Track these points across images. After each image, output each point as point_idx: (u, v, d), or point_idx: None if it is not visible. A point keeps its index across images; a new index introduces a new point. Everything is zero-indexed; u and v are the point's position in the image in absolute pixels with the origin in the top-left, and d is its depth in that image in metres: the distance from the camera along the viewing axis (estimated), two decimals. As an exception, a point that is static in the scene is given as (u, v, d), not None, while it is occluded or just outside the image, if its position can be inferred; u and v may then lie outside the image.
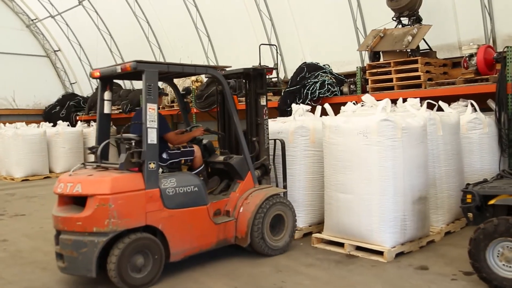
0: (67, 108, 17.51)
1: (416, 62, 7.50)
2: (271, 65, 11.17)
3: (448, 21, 8.42)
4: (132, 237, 4.21)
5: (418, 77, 7.50)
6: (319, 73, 8.86)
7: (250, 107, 5.77)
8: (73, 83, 19.73)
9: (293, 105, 6.60)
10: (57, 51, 19.42)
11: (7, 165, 13.31)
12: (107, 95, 5.08)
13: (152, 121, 4.39)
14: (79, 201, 4.36)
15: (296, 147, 5.95)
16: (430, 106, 5.96)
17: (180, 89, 12.60)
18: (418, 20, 8.07)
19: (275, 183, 5.86)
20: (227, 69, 5.66)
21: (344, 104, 5.79)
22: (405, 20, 8.23)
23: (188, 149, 5.26)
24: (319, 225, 5.89)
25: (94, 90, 17.13)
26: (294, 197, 5.87)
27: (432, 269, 4.58)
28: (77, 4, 15.88)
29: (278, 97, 9.88)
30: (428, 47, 8.20)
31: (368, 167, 4.98)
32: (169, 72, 4.96)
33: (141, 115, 4.56)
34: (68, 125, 14.95)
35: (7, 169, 13.32)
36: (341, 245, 5.24)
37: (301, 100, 8.80)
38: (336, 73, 9.16)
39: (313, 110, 6.64)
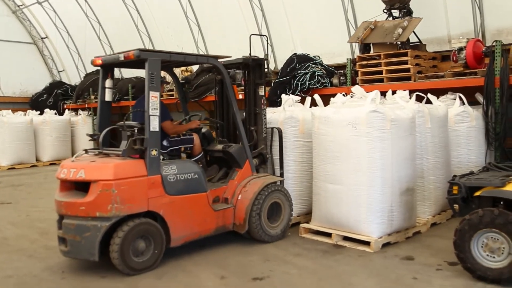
0: (54, 96, 17.30)
1: (406, 54, 7.53)
2: (261, 56, 11.12)
3: (438, 15, 8.47)
4: (135, 222, 4.31)
5: (408, 70, 7.53)
6: (309, 64, 8.86)
7: (249, 97, 5.82)
8: (61, 71, 19.49)
9: (283, 96, 6.61)
10: (44, 38, 19.15)
11: (-7, 153, 13.13)
12: (108, 83, 5.13)
13: (154, 108, 4.48)
14: (81, 186, 4.44)
15: (286, 137, 5.96)
16: (419, 99, 5.99)
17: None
18: (409, 13, 8.09)
19: (272, 171, 5.94)
20: (227, 59, 5.65)
21: (334, 95, 5.81)
22: (396, 13, 8.25)
23: (188, 137, 5.34)
24: (307, 215, 5.94)
25: (82, 79, 16.95)
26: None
27: (418, 260, 4.64)
28: (66, -9, 15.65)
29: (268, 87, 9.85)
30: (418, 40, 8.24)
31: (356, 158, 5.00)
32: (171, 61, 4.97)
33: (142, 103, 4.67)
34: (55, 114, 14.79)
35: (-7, 157, 13.15)
36: (328, 235, 5.28)
37: (291, 91, 8.79)
38: (327, 65, 9.16)
39: (302, 101, 6.64)
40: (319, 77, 8.64)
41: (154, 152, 4.46)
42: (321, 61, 9.17)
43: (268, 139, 5.96)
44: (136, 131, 4.56)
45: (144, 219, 4.40)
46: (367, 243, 4.96)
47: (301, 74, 8.75)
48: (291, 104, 6.31)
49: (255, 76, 5.76)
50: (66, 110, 15.97)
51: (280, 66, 10.21)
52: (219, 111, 6.07)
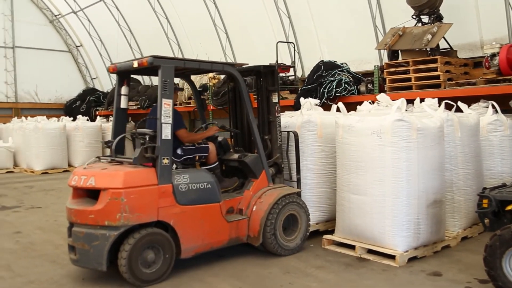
0: (87, 103, 17.74)
1: (435, 61, 7.31)
2: (288, 63, 11.08)
3: (470, 20, 8.19)
4: (143, 232, 4.21)
5: (437, 77, 7.31)
6: (336, 72, 8.74)
7: (262, 104, 5.69)
8: (94, 78, 19.98)
9: (301, 99, 6.42)
10: (79, 46, 19.70)
11: (27, 158, 13.54)
12: (124, 90, 5.10)
13: (167, 116, 4.41)
14: (93, 194, 4.39)
15: (304, 142, 5.80)
16: (450, 107, 5.78)
17: (197, 86, 12.59)
18: (439, 18, 7.86)
19: (289, 177, 5.79)
20: (243, 66, 5.61)
21: (361, 103, 5.68)
22: (425, 18, 8.03)
23: (203, 145, 5.22)
24: (327, 222, 5.85)
25: (114, 86, 17.30)
26: (302, 193, 5.70)
27: (446, 276, 4.43)
28: (99, 0, 16.04)
29: (295, 95, 9.78)
30: (449, 46, 7.99)
31: (381, 168, 4.85)
32: (186, 68, 4.93)
33: (157, 110, 4.57)
34: (87, 120, 15.13)
35: (28, 162, 13.56)
36: (352, 247, 5.13)
37: (317, 98, 8.67)
38: (354, 72, 9.01)
39: (328, 109, 6.53)
40: (346, 85, 8.50)
41: (165, 161, 4.37)
42: (349, 68, 9.02)
43: (284, 144, 5.79)
44: (148, 139, 4.49)
45: (153, 229, 4.30)
46: (392, 257, 4.78)
47: (327, 81, 8.63)
48: (309, 108, 6.13)
49: (267, 83, 5.63)
50: (98, 117, 16.33)
51: (307, 73, 10.12)
52: (233, 119, 5.97)
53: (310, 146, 5.82)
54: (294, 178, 5.77)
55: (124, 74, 5.10)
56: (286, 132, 5.79)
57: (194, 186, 4.58)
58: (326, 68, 8.91)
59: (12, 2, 18.22)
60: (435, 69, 7.33)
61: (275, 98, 5.61)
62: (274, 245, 4.98)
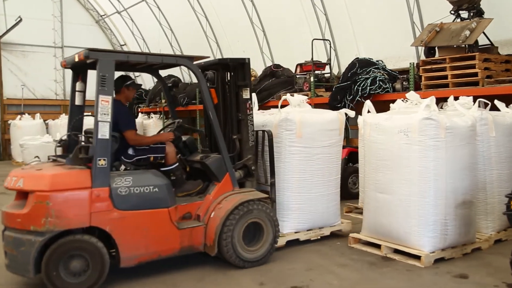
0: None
1: (473, 58, 7.05)
2: (325, 60, 11.02)
3: (513, 15, 7.85)
4: (67, 239, 3.94)
5: (476, 74, 7.05)
6: (371, 69, 8.59)
7: (230, 101, 5.22)
8: (137, 76, 20.53)
9: (288, 95, 5.86)
10: (123, 45, 20.31)
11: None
12: (78, 85, 4.80)
13: (104, 114, 4.09)
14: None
15: (280, 142, 5.32)
16: (487, 106, 5.59)
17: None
18: (479, 13, 7.57)
19: (265, 180, 5.34)
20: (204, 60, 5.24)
21: (395, 101, 5.57)
22: (464, 14, 7.75)
23: (159, 146, 4.83)
24: (309, 231, 5.48)
25: (155, 83, 17.76)
26: (278, 199, 5.29)
27: (472, 278, 4.32)
28: (141, 0, 16.50)
29: (329, 93, 9.71)
30: (489, 43, 7.68)
31: (408, 167, 4.78)
32: (130, 61, 4.55)
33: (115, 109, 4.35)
34: (130, 117, 15.58)
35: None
36: (378, 246, 5.08)
37: (351, 96, 8.59)
38: (390, 69, 8.83)
39: (361, 107, 6.44)
40: (381, 82, 8.34)
41: (102, 162, 4.04)
42: (384, 65, 8.85)
43: (260, 144, 5.36)
44: (90, 138, 4.19)
45: (76, 237, 3.97)
46: (417, 257, 4.70)
47: (362, 79, 8.50)
48: (298, 104, 5.64)
49: (237, 78, 5.14)
50: (140, 114, 16.81)
51: (343, 70, 10.01)
52: (206, 117, 5.53)
53: (287, 147, 5.32)
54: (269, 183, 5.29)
55: (78, 69, 4.79)
56: (261, 132, 5.35)
57: (137, 190, 4.20)
58: (361, 65, 8.78)
59: (61, 4, 19.03)
60: (473, 66, 7.07)
61: (246, 94, 5.12)
62: (231, 256, 4.52)
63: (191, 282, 4.35)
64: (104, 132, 4.08)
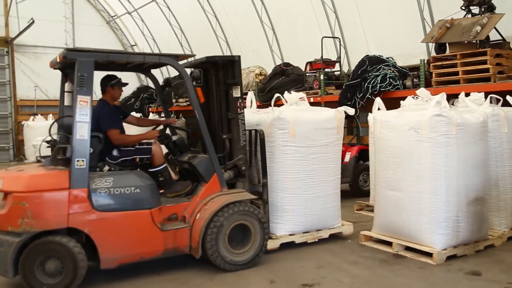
0: (141, 100, 18.37)
1: (485, 54, 6.99)
2: (335, 58, 10.99)
3: (526, 9, 7.74)
4: (41, 240, 3.94)
5: (487, 70, 6.99)
6: (381, 66, 8.57)
7: (219, 100, 5.13)
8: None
9: (285, 93, 5.73)
10: (133, 45, 20.44)
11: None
12: (67, 86, 4.78)
13: (83, 114, 4.07)
14: None
15: (273, 141, 5.17)
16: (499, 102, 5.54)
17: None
18: (491, 9, 7.49)
19: (257, 181, 5.19)
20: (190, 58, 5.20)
21: (405, 98, 5.53)
22: (475, 9, 7.68)
23: (145, 146, 4.79)
24: (306, 233, 5.30)
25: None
26: (272, 200, 5.14)
27: (485, 276, 4.29)
28: (151, 1, 16.59)
29: (339, 91, 9.70)
30: (501, 38, 7.60)
31: (419, 164, 4.76)
32: (110, 61, 4.53)
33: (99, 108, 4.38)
34: (141, 116, 15.71)
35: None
36: (389, 244, 5.06)
37: (361, 94, 8.58)
38: (400, 66, 8.80)
39: (371, 104, 6.41)
40: (391, 80, 8.31)
41: (80, 163, 4.01)
42: (395, 62, 8.82)
43: (253, 144, 5.23)
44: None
45: (48, 238, 3.96)
46: (429, 255, 4.68)
47: (372, 76, 8.49)
48: (295, 102, 5.47)
49: (226, 76, 5.02)
50: (151, 113, 16.92)
51: (353, 68, 9.98)
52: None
53: (280, 147, 5.16)
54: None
55: (66, 70, 4.73)
56: (254, 131, 5.22)
57: (117, 191, 4.16)
58: (371, 62, 8.75)
59: (73, 5, 19.21)
60: (484, 62, 7.01)
61: (236, 93, 4.98)
62: (216, 258, 4.41)
63: (201, 280, 4.38)
64: (83, 132, 4.07)
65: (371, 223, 5.54)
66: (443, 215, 4.67)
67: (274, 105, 5.49)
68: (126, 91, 19.46)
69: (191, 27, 16.48)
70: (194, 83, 4.88)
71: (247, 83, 12.71)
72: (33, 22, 15.42)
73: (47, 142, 4.49)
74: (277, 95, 5.80)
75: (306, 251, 5.10)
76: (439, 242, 4.68)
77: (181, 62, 4.90)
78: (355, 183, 7.99)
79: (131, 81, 21.84)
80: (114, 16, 19.92)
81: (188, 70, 5.06)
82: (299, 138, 5.18)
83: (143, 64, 4.85)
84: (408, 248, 4.93)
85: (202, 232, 4.36)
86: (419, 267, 4.55)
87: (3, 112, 17.79)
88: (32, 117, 16.38)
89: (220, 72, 5.09)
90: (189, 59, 5.38)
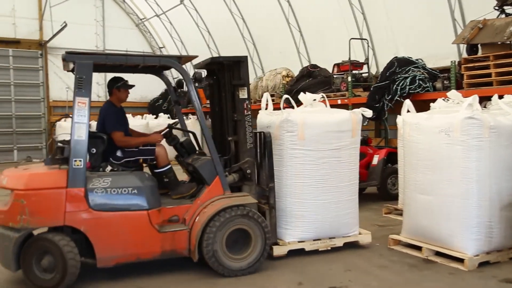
0: (168, 102, 18.64)
1: (519, 55, 6.83)
2: (363, 60, 10.89)
3: None
4: (36, 237, 4.13)
5: (521, 72, 6.82)
6: (410, 68, 8.46)
7: (225, 101, 5.03)
8: (175, 78, 20.95)
9: (301, 94, 5.51)
10: (161, 48, 20.74)
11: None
12: None
13: (81, 116, 4.17)
14: None
15: (282, 144, 5.00)
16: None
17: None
18: (525, 8, 7.32)
19: (266, 185, 5.00)
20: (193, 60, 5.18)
21: (435, 101, 5.45)
22: (509, 10, 7.50)
23: (148, 148, 4.80)
24: (317, 241, 5.08)
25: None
26: (280, 205, 4.98)
27: (519, 283, 4.18)
28: (179, 3, 16.80)
29: (367, 93, 9.61)
30: (536, 39, 7.39)
31: (450, 168, 4.67)
32: (108, 63, 4.56)
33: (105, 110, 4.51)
34: (168, 117, 15.94)
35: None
36: (419, 248, 4.98)
37: (390, 96, 8.49)
38: (430, 68, 8.67)
39: (400, 106, 6.33)
40: (420, 82, 8.20)
41: (78, 163, 4.11)
42: (424, 64, 8.70)
43: (262, 146, 5.08)
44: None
45: (42, 235, 4.12)
46: (461, 261, 4.58)
47: (401, 78, 8.39)
48: (309, 103, 5.31)
49: (232, 77, 4.91)
50: (179, 115, 17.11)
51: (381, 70, 9.87)
52: (212, 117, 5.41)
53: (289, 150, 4.98)
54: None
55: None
56: (260, 133, 5.09)
57: (114, 191, 4.21)
58: (400, 64, 8.65)
59: (103, 8, 19.65)
60: (518, 64, 6.85)
61: (243, 94, 4.86)
62: (213, 263, 4.35)
63: (228, 280, 4.39)
64: (81, 133, 4.17)
65: (399, 227, 5.47)
66: (475, 220, 4.57)
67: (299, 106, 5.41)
68: (155, 93, 19.81)
69: (218, 29, 16.61)
70: (197, 85, 4.81)
71: (274, 84, 12.75)
72: (65, 25, 15.83)
73: (60, 142, 4.55)
74: (285, 96, 5.75)
75: (334, 254, 5.07)
76: (471, 248, 4.58)
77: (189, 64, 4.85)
78: (383, 186, 7.89)
79: (159, 83, 22.12)
80: (143, 19, 20.25)
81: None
82: (308, 141, 5.00)
83: (154, 66, 4.83)
84: (438, 253, 4.83)
85: (198, 235, 4.32)
86: (450, 273, 4.46)
87: (37, 113, 18.37)
88: (64, 118, 16.82)
89: (226, 73, 4.99)
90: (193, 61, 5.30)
